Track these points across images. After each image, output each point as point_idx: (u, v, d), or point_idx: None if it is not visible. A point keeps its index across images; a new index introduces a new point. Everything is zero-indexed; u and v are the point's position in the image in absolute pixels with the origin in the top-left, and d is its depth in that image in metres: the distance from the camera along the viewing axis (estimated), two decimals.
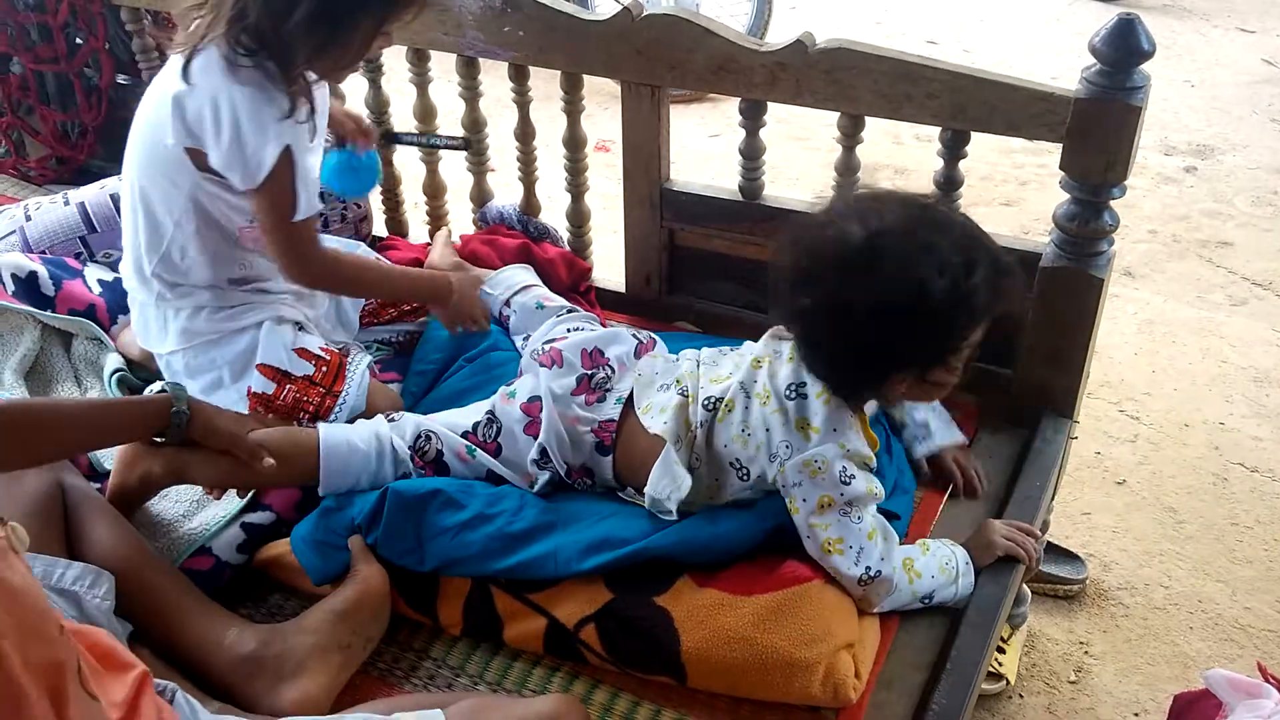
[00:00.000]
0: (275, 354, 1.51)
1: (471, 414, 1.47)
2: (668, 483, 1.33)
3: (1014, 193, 3.34)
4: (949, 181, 1.57)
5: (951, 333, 1.20)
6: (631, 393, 1.43)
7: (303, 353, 1.52)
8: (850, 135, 1.59)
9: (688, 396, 1.38)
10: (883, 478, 1.35)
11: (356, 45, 1.40)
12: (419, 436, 1.44)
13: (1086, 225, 1.46)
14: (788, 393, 1.30)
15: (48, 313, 1.69)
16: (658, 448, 1.35)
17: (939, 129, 1.54)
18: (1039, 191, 3.33)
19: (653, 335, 1.56)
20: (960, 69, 1.47)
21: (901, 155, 3.48)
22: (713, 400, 1.36)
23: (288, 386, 1.50)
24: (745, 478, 1.34)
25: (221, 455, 1.34)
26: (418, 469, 1.43)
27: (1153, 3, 4.76)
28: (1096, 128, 1.38)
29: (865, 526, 1.27)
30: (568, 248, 1.93)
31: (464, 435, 1.45)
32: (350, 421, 1.49)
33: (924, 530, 1.44)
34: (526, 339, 1.65)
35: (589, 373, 1.46)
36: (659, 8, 3.16)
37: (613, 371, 1.47)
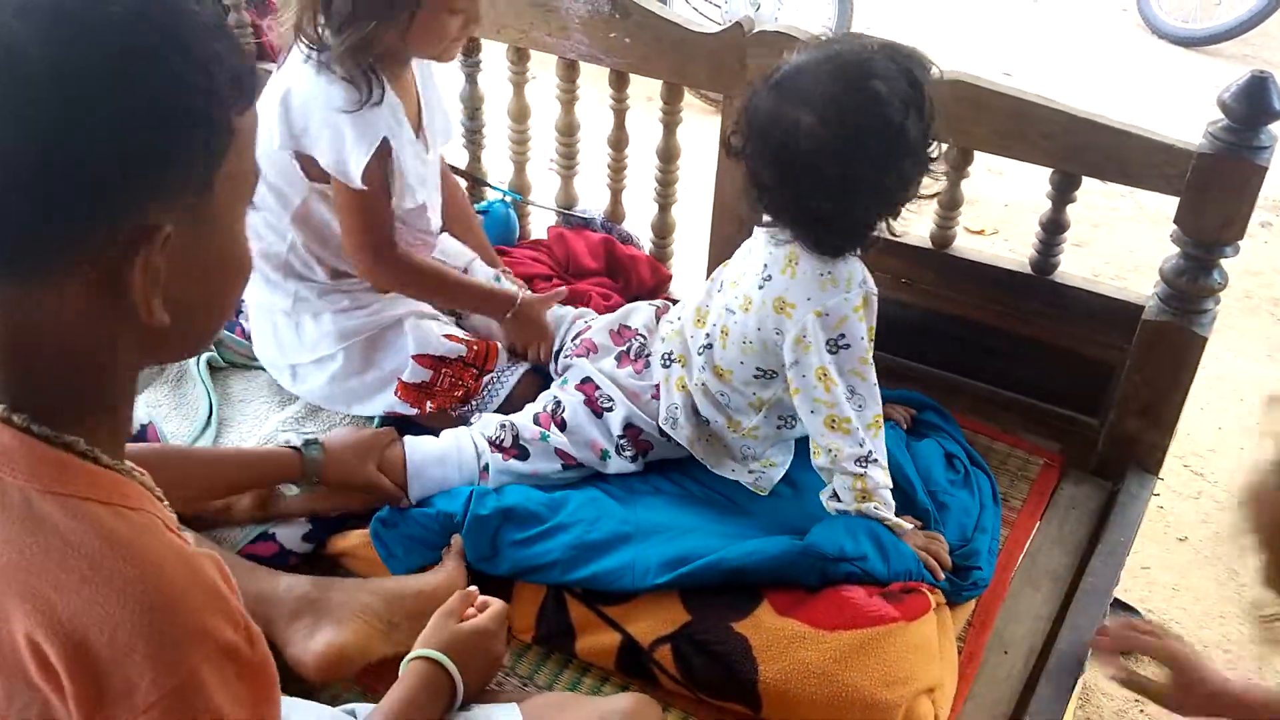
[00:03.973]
0: (428, 342, 1.52)
1: (540, 402, 1.50)
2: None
3: (1085, 234, 3.30)
4: (1055, 224, 1.55)
5: (924, 163, 1.26)
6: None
7: (452, 337, 1.54)
8: (958, 168, 1.57)
9: (677, 361, 1.46)
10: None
11: (419, 21, 1.35)
12: (499, 427, 1.45)
13: (1195, 282, 1.43)
14: (758, 283, 1.34)
15: None
16: None
17: (1049, 170, 1.52)
18: (1110, 234, 3.28)
19: (667, 302, 1.62)
20: (1078, 112, 1.45)
21: (968, 187, 3.46)
22: (706, 337, 1.43)
23: (444, 370, 1.51)
24: (775, 377, 1.38)
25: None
26: (500, 456, 1.43)
27: (1233, 51, 4.69)
28: (1217, 184, 1.35)
29: (865, 416, 1.31)
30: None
31: (535, 420, 1.46)
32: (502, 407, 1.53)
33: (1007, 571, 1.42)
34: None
35: (623, 347, 1.51)
36: (735, 15, 3.16)
37: (644, 338, 1.52)
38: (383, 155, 1.40)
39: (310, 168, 1.43)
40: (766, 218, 1.36)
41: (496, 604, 1.20)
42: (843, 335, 1.29)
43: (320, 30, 1.35)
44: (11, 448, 0.67)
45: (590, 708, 1.12)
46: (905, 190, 1.26)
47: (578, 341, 1.55)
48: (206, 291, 0.72)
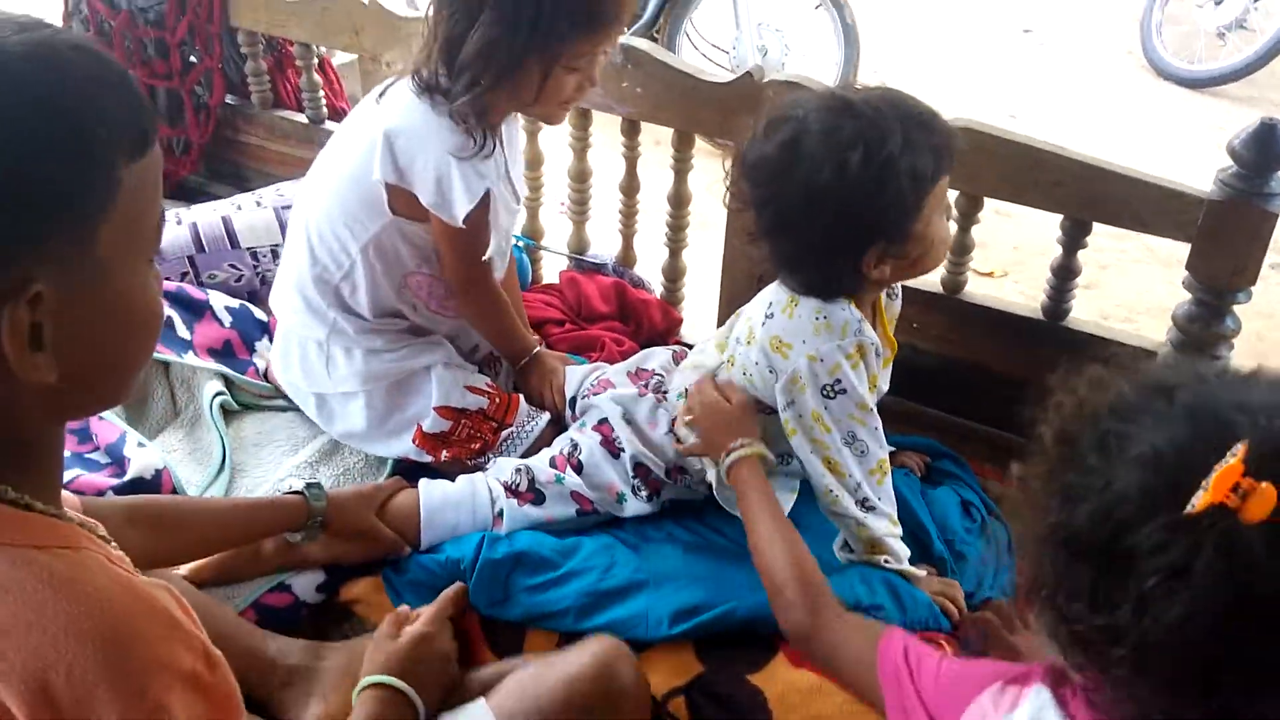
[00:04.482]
0: (452, 394, 1.53)
1: (556, 445, 1.51)
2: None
3: (1094, 276, 3.30)
4: (1066, 270, 1.55)
5: (893, 200, 1.22)
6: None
7: (474, 389, 1.55)
8: (968, 215, 1.58)
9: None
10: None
11: (535, 79, 1.38)
12: (515, 471, 1.45)
13: (1207, 328, 1.42)
14: (761, 319, 1.36)
15: (212, 363, 1.65)
16: None
17: (1060, 216, 1.52)
18: (1119, 276, 3.29)
19: (684, 346, 1.63)
20: (1088, 159, 1.45)
21: (975, 229, 3.46)
22: (719, 365, 1.44)
23: (463, 422, 1.52)
24: (771, 413, 1.37)
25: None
26: (515, 501, 1.43)
27: (1239, 93, 4.72)
28: (1228, 230, 1.35)
29: (868, 461, 1.31)
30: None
31: (551, 463, 1.46)
32: (524, 455, 1.53)
33: None
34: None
35: (642, 384, 1.52)
36: (745, 65, 3.20)
37: (662, 376, 1.53)
38: (484, 206, 1.43)
39: (397, 201, 1.44)
40: None
41: (429, 607, 1.20)
42: (838, 381, 1.29)
43: (439, 77, 1.38)
44: None
45: (560, 669, 1.11)
46: (876, 240, 1.25)
47: (595, 382, 1.56)
48: (104, 347, 0.69)
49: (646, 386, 1.52)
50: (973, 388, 1.66)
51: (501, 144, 1.49)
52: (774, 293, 1.37)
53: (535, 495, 1.44)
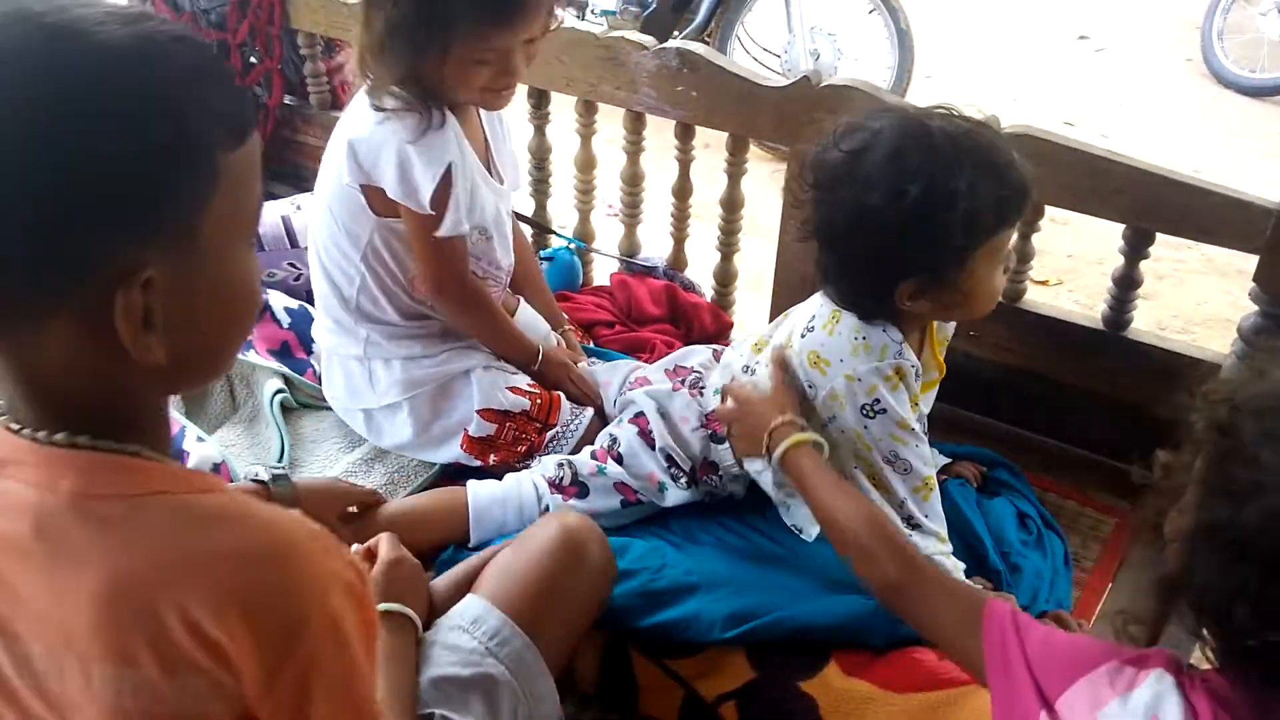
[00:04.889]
0: (493, 396, 1.53)
1: (598, 440, 1.52)
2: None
3: (1150, 287, 3.22)
4: (1128, 280, 1.53)
5: (938, 238, 1.18)
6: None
7: (516, 390, 1.55)
8: (1029, 223, 1.56)
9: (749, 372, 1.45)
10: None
11: (446, 68, 1.39)
12: (558, 466, 1.47)
13: (1273, 340, 1.39)
14: (801, 331, 1.35)
15: (273, 362, 1.68)
16: None
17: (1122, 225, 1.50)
18: (1175, 286, 3.23)
19: (724, 347, 1.61)
20: (1151, 167, 1.43)
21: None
22: (755, 362, 1.43)
23: (508, 425, 1.53)
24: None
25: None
26: (560, 497, 1.44)
27: None
28: None
29: (913, 479, 1.29)
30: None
31: (592, 456, 1.48)
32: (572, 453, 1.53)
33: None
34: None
35: (679, 380, 1.53)
36: (796, 69, 3.19)
37: (701, 373, 1.53)
38: (449, 181, 1.43)
39: (375, 201, 1.46)
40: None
41: (382, 538, 1.23)
42: (877, 401, 1.27)
43: (369, 75, 1.41)
44: (91, 465, 0.69)
45: (531, 545, 1.19)
46: (912, 275, 1.23)
47: (634, 378, 1.57)
48: (207, 327, 0.72)
49: (683, 383, 1.52)
50: (1030, 397, 1.64)
51: (482, 124, 1.50)
52: (818, 304, 1.37)
53: (579, 488, 1.45)
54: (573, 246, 2.02)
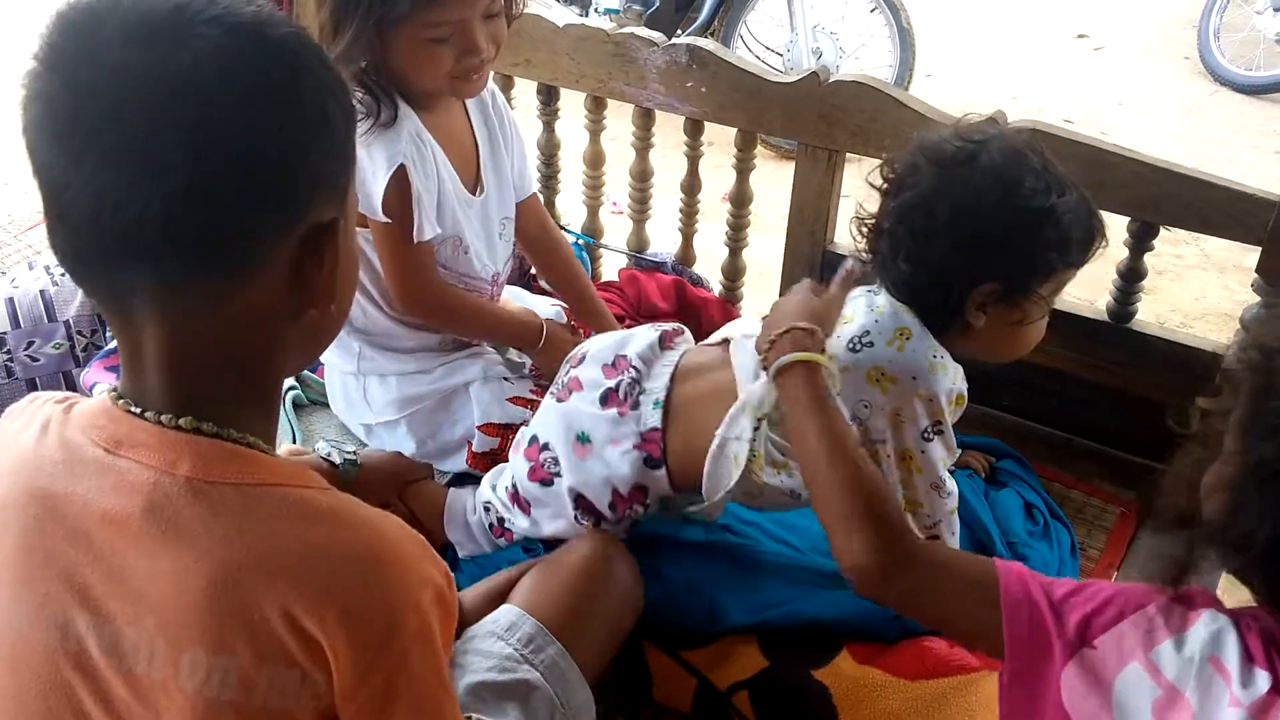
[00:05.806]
0: (493, 410, 1.50)
1: (503, 478, 1.40)
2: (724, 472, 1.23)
3: (1149, 282, 3.23)
4: (1133, 273, 1.55)
5: (1037, 246, 1.18)
6: (669, 393, 1.28)
7: (516, 400, 1.52)
8: None
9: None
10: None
11: (406, 49, 1.32)
12: (485, 507, 1.41)
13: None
14: (851, 345, 1.24)
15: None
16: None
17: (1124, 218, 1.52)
18: (1175, 281, 3.25)
19: (679, 325, 1.40)
20: (1156, 161, 1.45)
21: None
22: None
23: (509, 437, 1.49)
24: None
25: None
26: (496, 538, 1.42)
27: None
28: None
29: (951, 501, 1.28)
30: None
31: (506, 502, 1.38)
32: None
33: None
34: None
35: (612, 384, 1.29)
36: (799, 68, 3.20)
37: (638, 372, 1.30)
38: (401, 182, 1.35)
39: None
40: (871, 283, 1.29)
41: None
42: (939, 423, 1.24)
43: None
44: (210, 451, 0.71)
45: (566, 561, 1.21)
46: (996, 279, 1.20)
47: (567, 379, 1.35)
48: (345, 287, 0.79)
49: (617, 390, 1.28)
50: (1036, 388, 1.66)
51: (472, 125, 1.47)
52: (865, 317, 1.27)
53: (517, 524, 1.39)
54: (581, 242, 2.03)
